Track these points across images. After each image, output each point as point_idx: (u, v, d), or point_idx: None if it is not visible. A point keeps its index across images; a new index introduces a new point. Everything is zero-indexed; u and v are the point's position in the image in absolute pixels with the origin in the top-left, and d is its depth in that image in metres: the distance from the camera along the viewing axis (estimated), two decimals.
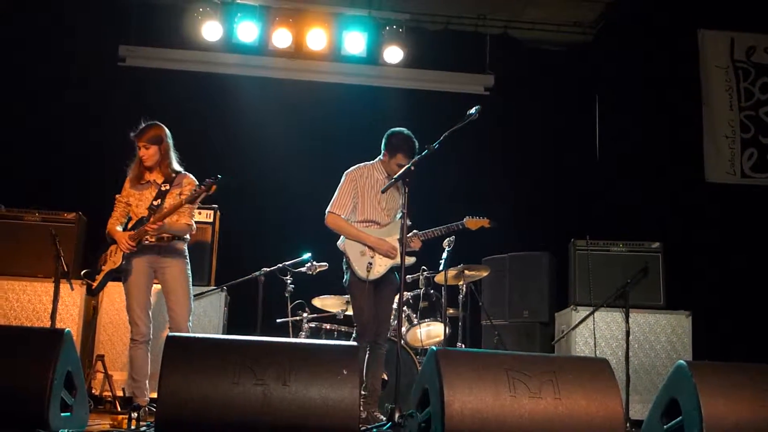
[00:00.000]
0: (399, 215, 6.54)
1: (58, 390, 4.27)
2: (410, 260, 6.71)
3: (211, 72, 10.17)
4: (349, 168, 6.68)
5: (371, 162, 6.67)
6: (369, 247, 6.45)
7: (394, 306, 6.77)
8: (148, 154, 6.34)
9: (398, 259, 6.32)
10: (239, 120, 9.89)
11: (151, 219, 6.14)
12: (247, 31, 9.71)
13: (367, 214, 6.55)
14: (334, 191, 6.63)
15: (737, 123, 9.90)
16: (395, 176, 6.10)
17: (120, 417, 5.31)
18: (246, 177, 9.55)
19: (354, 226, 6.52)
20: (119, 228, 6.31)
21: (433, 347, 4.51)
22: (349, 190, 6.56)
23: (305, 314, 7.98)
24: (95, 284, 6.38)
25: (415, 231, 6.54)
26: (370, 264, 6.36)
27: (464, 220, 6.81)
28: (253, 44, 9.83)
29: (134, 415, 5.31)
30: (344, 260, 6.54)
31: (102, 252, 6.40)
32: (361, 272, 6.36)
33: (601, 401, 4.40)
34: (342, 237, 6.54)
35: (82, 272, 6.53)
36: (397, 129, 6.54)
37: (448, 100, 10.15)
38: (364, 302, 6.37)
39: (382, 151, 6.59)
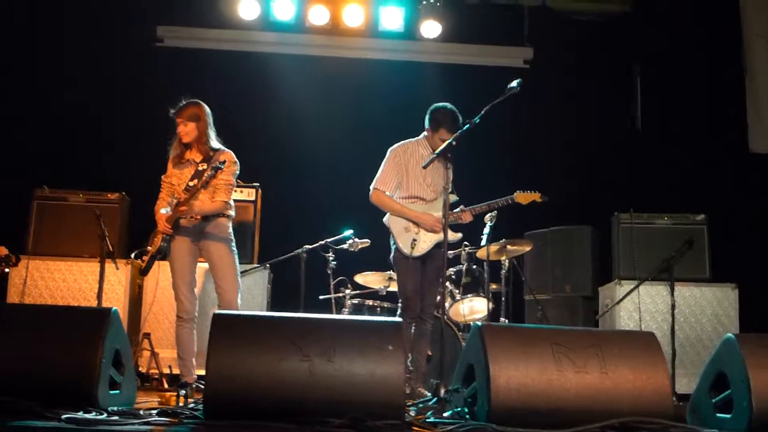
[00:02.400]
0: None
1: (107, 368, 4.30)
2: (457, 236, 6.72)
3: (248, 51, 10.20)
4: (391, 144, 6.68)
5: (416, 138, 6.67)
6: (413, 222, 6.44)
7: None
8: (186, 130, 6.35)
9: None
10: (277, 98, 9.89)
11: (181, 201, 6.17)
12: (284, 9, 9.71)
13: (412, 190, 6.55)
14: (374, 167, 6.63)
15: None
16: (437, 150, 6.09)
17: (167, 394, 5.38)
18: (286, 154, 9.60)
19: (398, 202, 6.50)
20: (163, 210, 6.34)
21: (478, 323, 4.50)
22: (392, 167, 6.57)
23: (348, 291, 8.01)
24: (143, 265, 6.44)
25: (462, 206, 6.51)
26: (415, 240, 6.35)
27: (514, 194, 6.76)
28: (289, 22, 9.82)
29: (182, 392, 5.36)
30: (390, 236, 6.53)
31: (151, 232, 6.44)
32: (405, 248, 6.37)
33: (648, 375, 4.35)
34: (387, 213, 6.53)
35: (133, 253, 6.58)
36: (440, 104, 6.52)
37: (486, 74, 10.08)
38: (409, 278, 6.38)
39: (426, 127, 6.58)
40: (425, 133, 6.60)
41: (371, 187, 6.57)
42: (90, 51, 9.51)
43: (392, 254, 6.59)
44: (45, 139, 9.26)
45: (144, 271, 6.53)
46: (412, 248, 6.34)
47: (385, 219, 6.59)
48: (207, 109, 6.48)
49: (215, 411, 4.00)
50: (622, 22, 10.36)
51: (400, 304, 6.94)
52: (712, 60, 9.76)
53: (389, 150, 6.65)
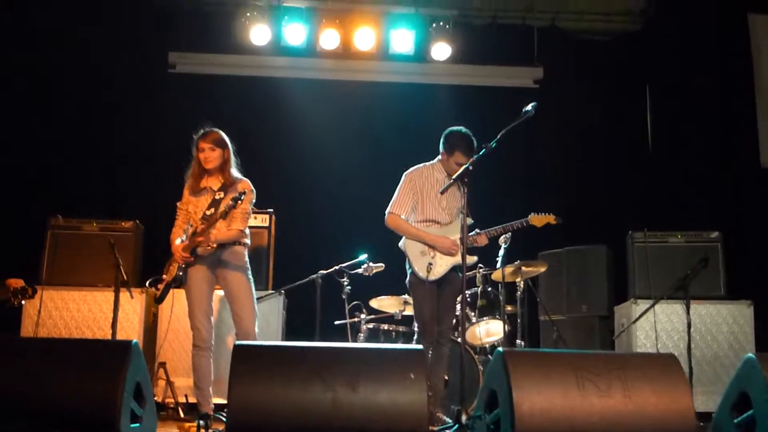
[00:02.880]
0: (460, 215, 6.51)
1: (128, 401, 4.30)
2: (472, 259, 6.71)
3: (260, 75, 10.24)
4: (403, 167, 6.68)
5: (431, 162, 6.66)
6: (429, 246, 6.44)
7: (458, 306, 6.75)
8: (212, 156, 6.33)
9: (459, 258, 6.30)
10: (289, 122, 9.93)
11: (198, 231, 6.17)
12: (295, 34, 9.73)
13: (427, 213, 6.54)
14: (387, 190, 6.64)
15: None
16: (454, 176, 6.09)
17: (186, 425, 5.35)
18: (299, 179, 9.61)
19: (413, 225, 6.51)
20: (179, 240, 6.34)
21: (500, 348, 4.49)
22: (408, 191, 6.56)
23: (363, 315, 7.99)
24: (158, 293, 6.44)
25: (477, 230, 6.51)
26: (431, 264, 6.34)
27: (529, 217, 6.74)
28: (301, 46, 9.86)
29: (201, 423, 5.34)
30: (406, 260, 6.54)
31: (167, 260, 6.44)
32: (422, 272, 6.36)
33: (671, 397, 4.35)
34: (403, 237, 6.54)
35: (148, 281, 6.58)
36: (455, 128, 6.53)
37: (497, 95, 10.12)
38: (425, 302, 6.36)
39: (441, 151, 6.58)
40: (440, 156, 6.60)
41: (387, 211, 6.57)
42: (103, 78, 9.55)
43: (408, 278, 6.57)
44: (58, 168, 9.29)
45: (159, 300, 6.51)
46: (428, 272, 6.33)
47: (400, 243, 6.58)
48: (227, 138, 6.49)
49: None
50: (632, 40, 10.38)
51: (416, 329, 6.93)
52: (723, 76, 9.76)
53: (404, 174, 6.65)
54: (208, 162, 6.35)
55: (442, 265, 6.42)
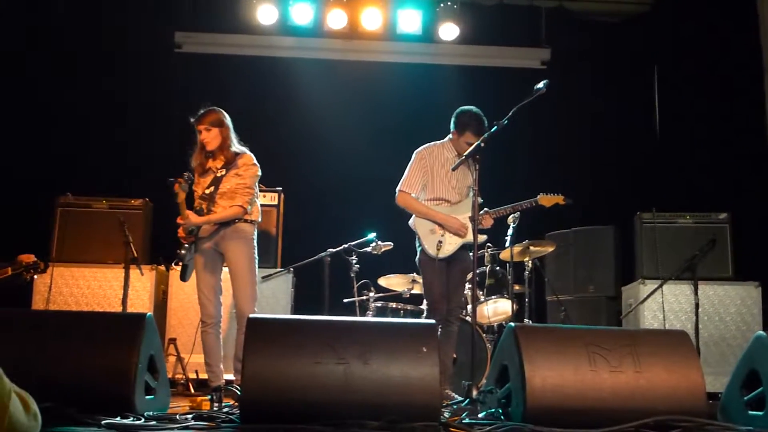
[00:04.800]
0: (470, 193, 6.51)
1: (143, 374, 4.32)
2: (481, 238, 6.71)
3: (267, 56, 10.25)
4: (410, 146, 6.68)
5: (441, 141, 6.66)
6: (438, 224, 6.45)
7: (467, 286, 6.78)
8: (210, 136, 6.33)
9: (469, 237, 6.31)
10: (296, 102, 9.93)
11: (196, 210, 6.21)
12: (302, 13, 9.71)
13: (437, 192, 6.55)
14: (395, 169, 6.64)
15: None
16: (465, 153, 6.09)
17: (198, 399, 5.37)
18: (307, 158, 9.62)
19: (424, 204, 6.52)
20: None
21: (511, 324, 4.50)
22: (418, 169, 6.56)
23: (371, 293, 8.02)
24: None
25: (485, 209, 6.51)
26: (440, 242, 6.36)
27: (538, 197, 6.75)
28: (308, 26, 9.84)
29: (214, 396, 5.38)
30: (416, 238, 6.55)
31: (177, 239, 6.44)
32: (431, 250, 6.37)
33: (682, 373, 4.37)
34: (413, 215, 6.55)
35: (174, 261, 6.56)
36: (466, 107, 6.52)
37: (504, 76, 10.13)
38: (435, 280, 6.38)
39: (451, 130, 6.58)
40: (450, 136, 6.60)
41: (397, 189, 6.57)
42: (110, 58, 9.58)
43: (418, 256, 6.59)
44: (67, 146, 9.32)
45: (182, 277, 6.42)
46: (438, 250, 6.35)
47: (410, 221, 6.58)
48: (226, 114, 6.47)
49: (251, 415, 4.01)
50: (639, 22, 10.35)
51: (424, 307, 6.94)
52: (731, 59, 9.73)
53: (415, 152, 6.65)
54: (208, 144, 6.36)
55: (451, 243, 6.43)
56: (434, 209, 6.49)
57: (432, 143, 6.66)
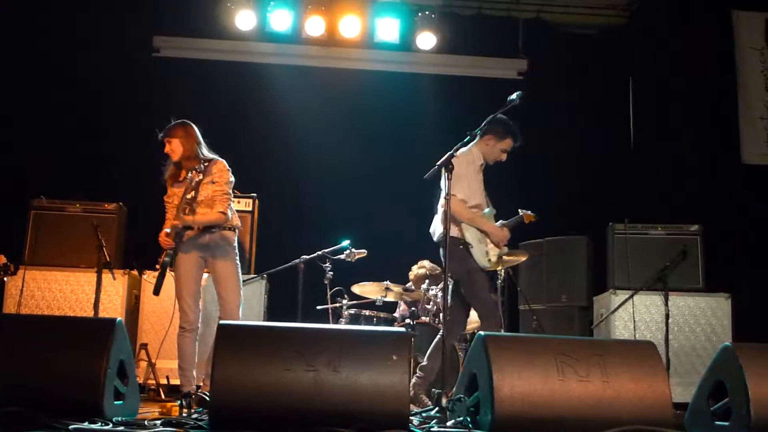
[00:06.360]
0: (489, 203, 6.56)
1: (112, 379, 4.32)
2: None
3: (245, 61, 10.23)
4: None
5: (468, 146, 6.23)
6: (484, 233, 6.38)
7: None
8: (171, 148, 6.34)
9: (504, 249, 6.43)
10: (273, 108, 9.91)
11: (174, 218, 6.19)
12: (281, 20, 9.74)
13: (476, 198, 6.42)
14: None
15: None
16: (438, 163, 5.81)
17: (168, 404, 5.37)
18: (282, 164, 9.62)
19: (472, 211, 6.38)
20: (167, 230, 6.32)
21: (481, 333, 4.53)
22: (474, 176, 6.43)
23: (345, 301, 8.02)
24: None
25: (501, 221, 6.58)
26: (488, 253, 6.34)
27: (520, 213, 6.79)
28: (286, 32, 9.85)
29: (183, 402, 5.37)
30: (461, 247, 6.30)
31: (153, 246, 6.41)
32: (482, 260, 6.30)
33: (649, 384, 4.42)
34: (460, 224, 6.31)
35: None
36: (499, 115, 6.03)
37: (481, 86, 10.13)
38: (488, 289, 6.41)
39: (485, 136, 6.41)
40: (476, 140, 6.37)
41: (456, 196, 6.10)
42: (88, 62, 9.52)
43: (457, 266, 6.23)
44: (42, 149, 9.27)
45: (155, 291, 6.36)
46: (488, 261, 6.32)
47: (453, 231, 6.16)
48: (193, 126, 6.44)
49: (220, 421, 4.02)
50: (616, 34, 10.43)
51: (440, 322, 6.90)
52: (707, 72, 9.83)
53: (462, 159, 6.17)
54: (172, 154, 6.38)
55: (493, 255, 6.41)
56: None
57: (465, 148, 6.11)
